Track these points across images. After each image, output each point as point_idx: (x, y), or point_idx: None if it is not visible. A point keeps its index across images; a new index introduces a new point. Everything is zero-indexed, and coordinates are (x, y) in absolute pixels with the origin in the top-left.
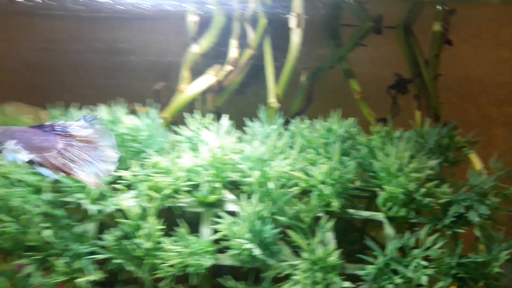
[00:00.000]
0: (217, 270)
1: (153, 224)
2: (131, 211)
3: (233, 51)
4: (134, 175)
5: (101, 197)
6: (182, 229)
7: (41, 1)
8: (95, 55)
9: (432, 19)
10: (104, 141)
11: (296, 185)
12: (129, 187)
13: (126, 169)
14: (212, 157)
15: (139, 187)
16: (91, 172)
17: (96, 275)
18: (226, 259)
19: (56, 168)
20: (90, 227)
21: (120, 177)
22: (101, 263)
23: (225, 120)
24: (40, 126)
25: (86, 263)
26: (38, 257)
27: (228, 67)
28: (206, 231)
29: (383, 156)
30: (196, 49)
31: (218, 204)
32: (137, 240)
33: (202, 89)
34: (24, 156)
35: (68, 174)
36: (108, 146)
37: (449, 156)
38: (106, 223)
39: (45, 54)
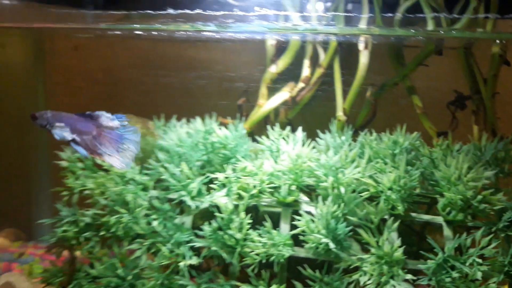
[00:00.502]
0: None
1: (243, 219)
2: (226, 207)
3: (305, 70)
4: (226, 177)
5: (199, 194)
6: (268, 224)
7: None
8: (187, 75)
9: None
10: (129, 137)
11: (365, 190)
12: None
13: (216, 171)
14: (292, 164)
15: (231, 187)
16: (113, 159)
17: (194, 260)
18: (301, 251)
19: (90, 150)
20: (187, 219)
21: (215, 178)
22: (196, 250)
23: (300, 132)
24: (82, 114)
25: (185, 250)
26: (147, 243)
27: (301, 84)
28: (284, 227)
29: (444, 166)
30: (273, 69)
31: (295, 204)
32: (230, 232)
33: (278, 104)
34: (69, 135)
35: (97, 156)
36: (132, 141)
37: (504, 167)
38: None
39: (135, 71)
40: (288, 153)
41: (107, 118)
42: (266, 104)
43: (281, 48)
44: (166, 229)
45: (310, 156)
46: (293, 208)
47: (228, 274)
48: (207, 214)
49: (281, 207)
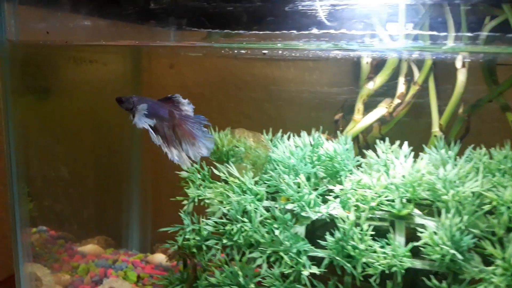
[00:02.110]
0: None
1: (365, 230)
2: (348, 218)
3: (401, 87)
4: (342, 189)
5: (315, 205)
6: (391, 236)
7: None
8: (265, 91)
9: None
10: (204, 141)
11: (482, 203)
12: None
13: (321, 183)
14: (410, 177)
15: (348, 198)
16: (178, 153)
17: (315, 269)
18: (418, 263)
19: (164, 137)
20: (300, 229)
21: (330, 190)
22: (313, 259)
23: (406, 146)
24: (166, 100)
25: (306, 259)
26: (268, 252)
27: (396, 101)
28: (399, 239)
29: None
30: (371, 85)
31: (408, 217)
32: (352, 242)
33: (376, 119)
34: (150, 121)
35: (167, 144)
36: (205, 145)
37: None
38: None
39: (209, 87)
40: (403, 166)
41: (189, 114)
42: (365, 119)
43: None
44: (286, 238)
45: (428, 169)
46: (408, 221)
47: (343, 284)
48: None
49: (395, 219)
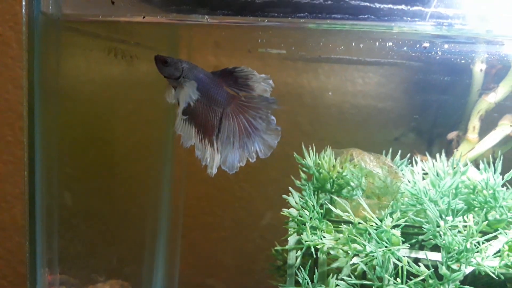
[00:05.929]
0: None
1: None
2: None
3: None
4: None
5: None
6: None
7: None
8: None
9: None
10: (266, 137)
11: None
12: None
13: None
14: None
15: None
16: (211, 153)
17: None
18: None
19: (205, 124)
20: None
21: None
22: None
23: None
24: (224, 74)
25: None
26: None
27: None
28: None
29: None
30: (492, 98)
31: None
32: None
33: (499, 140)
34: (193, 98)
35: (205, 135)
36: (264, 144)
37: None
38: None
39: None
40: None
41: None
42: (486, 139)
43: (489, 74)
44: None
45: None
46: None
47: None
48: None
49: None
